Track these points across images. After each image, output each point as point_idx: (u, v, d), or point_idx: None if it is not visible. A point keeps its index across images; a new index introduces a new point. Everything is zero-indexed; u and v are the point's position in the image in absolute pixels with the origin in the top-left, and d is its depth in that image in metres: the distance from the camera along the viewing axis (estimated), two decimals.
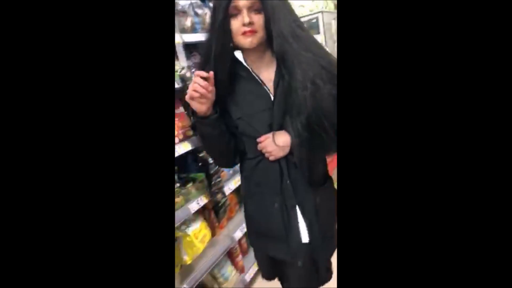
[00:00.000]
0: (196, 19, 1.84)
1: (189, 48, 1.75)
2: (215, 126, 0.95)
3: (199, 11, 1.90)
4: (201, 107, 0.90)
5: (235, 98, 0.97)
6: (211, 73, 0.87)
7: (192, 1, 1.89)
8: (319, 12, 3.32)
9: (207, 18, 1.96)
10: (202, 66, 0.94)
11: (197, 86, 0.85)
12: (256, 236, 1.13)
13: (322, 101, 0.87)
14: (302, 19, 3.63)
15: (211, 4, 2.10)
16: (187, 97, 0.89)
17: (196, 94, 0.86)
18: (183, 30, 1.73)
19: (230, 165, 1.15)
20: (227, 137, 0.99)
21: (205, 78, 0.87)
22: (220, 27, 0.87)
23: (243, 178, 1.11)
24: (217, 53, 0.90)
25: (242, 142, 1.04)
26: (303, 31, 0.91)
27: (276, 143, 0.93)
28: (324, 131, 0.90)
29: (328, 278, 1.15)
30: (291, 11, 0.91)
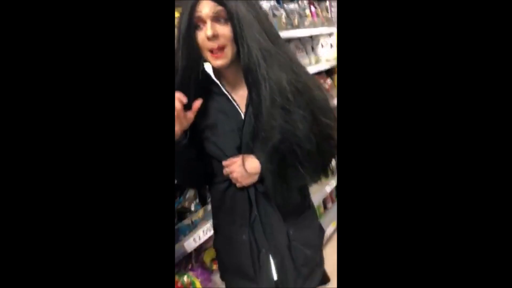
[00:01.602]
0: (275, 20, 1.96)
1: None
2: (184, 151, 0.83)
3: (276, 12, 2.01)
4: (176, 130, 0.79)
5: (206, 116, 0.86)
6: (198, 102, 0.78)
7: (271, 3, 2.00)
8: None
9: (283, 19, 2.09)
10: (177, 83, 0.81)
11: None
12: (225, 272, 1.02)
13: (294, 128, 0.77)
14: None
15: (285, 5, 2.23)
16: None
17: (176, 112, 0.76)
18: None
19: (199, 186, 1.08)
20: (195, 161, 0.88)
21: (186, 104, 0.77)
22: (184, 40, 0.76)
23: (212, 207, 1.00)
24: (183, 67, 0.78)
25: (211, 164, 0.92)
26: (277, 47, 0.79)
27: (244, 168, 0.82)
28: (297, 160, 0.80)
29: None
30: (262, 21, 0.78)
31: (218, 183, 0.93)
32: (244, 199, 0.89)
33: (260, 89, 0.77)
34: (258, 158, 0.84)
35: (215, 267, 1.73)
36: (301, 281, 0.94)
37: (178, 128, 0.79)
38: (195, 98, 0.81)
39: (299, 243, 0.93)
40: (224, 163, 0.86)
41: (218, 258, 1.05)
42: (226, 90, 0.87)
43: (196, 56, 0.79)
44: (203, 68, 0.85)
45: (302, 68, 0.87)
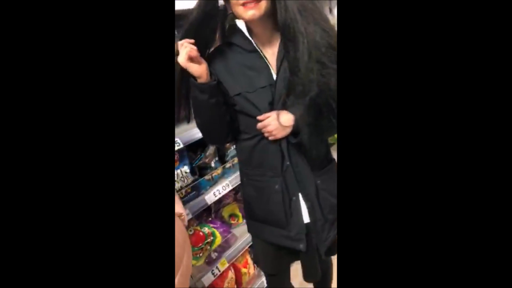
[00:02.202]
0: None
1: None
2: (213, 93, 0.86)
3: None
4: (200, 69, 0.82)
5: (232, 72, 0.88)
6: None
7: None
8: None
9: None
10: (188, 32, 0.83)
11: (190, 48, 0.79)
12: (254, 221, 1.07)
13: (329, 82, 0.80)
14: None
15: None
16: (184, 59, 0.79)
17: (194, 53, 0.79)
18: None
19: (222, 141, 1.05)
20: (223, 108, 0.91)
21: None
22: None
23: (240, 162, 1.04)
24: (200, 9, 0.81)
25: (237, 120, 0.95)
26: (310, 2, 0.81)
27: (279, 122, 0.86)
28: (331, 112, 0.84)
29: (332, 253, 1.09)
30: None
31: (246, 139, 0.97)
32: (276, 151, 0.93)
33: (297, 43, 0.79)
34: (293, 112, 0.87)
35: (233, 222, 1.85)
36: (328, 226, 1.01)
37: (203, 64, 0.83)
38: (220, 51, 0.86)
39: (326, 192, 0.99)
40: (260, 117, 0.89)
41: (246, 209, 1.10)
42: (258, 47, 0.89)
43: (217, 7, 0.82)
44: (235, 24, 0.87)
45: (330, 24, 0.87)
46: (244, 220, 1.90)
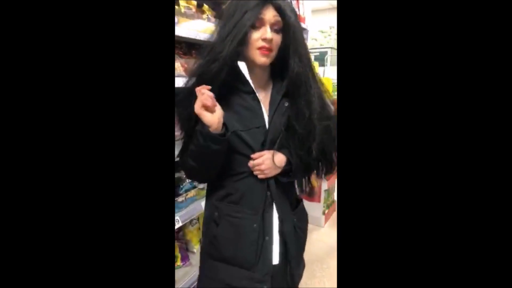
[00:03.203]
0: None
1: None
2: (225, 144, 0.87)
3: None
4: (213, 120, 0.81)
5: (227, 111, 0.89)
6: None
7: None
8: (329, 47, 3.74)
9: None
10: (200, 71, 0.87)
11: (206, 96, 0.78)
12: (215, 261, 1.01)
13: (329, 132, 0.93)
14: (312, 51, 4.02)
15: None
16: (199, 106, 0.80)
17: (210, 102, 0.79)
18: None
19: (211, 179, 1.02)
20: (222, 157, 0.92)
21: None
22: (242, 36, 0.82)
23: (215, 196, 1.00)
24: (224, 61, 0.83)
25: (229, 157, 0.95)
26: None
27: (273, 161, 0.90)
28: (324, 157, 0.97)
29: None
30: (305, 40, 0.93)
31: (231, 175, 0.97)
32: (262, 189, 0.95)
33: (309, 96, 0.90)
34: (287, 153, 0.94)
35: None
36: (300, 261, 1.06)
37: (215, 118, 0.82)
38: (219, 90, 0.85)
39: (300, 230, 1.04)
40: (254, 155, 0.92)
41: (212, 246, 1.01)
42: (254, 89, 0.93)
43: (239, 51, 0.86)
44: (237, 65, 0.89)
45: (322, 86, 0.99)
46: (182, 263, 1.75)
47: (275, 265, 0.99)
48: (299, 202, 1.10)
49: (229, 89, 0.92)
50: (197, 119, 0.85)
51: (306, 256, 1.12)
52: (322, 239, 2.69)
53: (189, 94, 0.85)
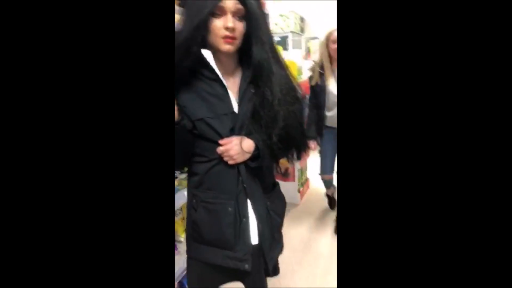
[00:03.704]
0: None
1: None
2: (185, 131, 0.92)
3: None
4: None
5: (194, 98, 0.94)
6: None
7: None
8: (290, 32, 3.84)
9: None
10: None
11: None
12: (199, 244, 1.07)
13: (294, 117, 0.96)
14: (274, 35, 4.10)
15: None
16: None
17: None
18: None
19: (182, 165, 1.09)
20: (192, 140, 0.97)
21: None
22: (200, 23, 0.85)
23: (192, 184, 1.05)
24: (186, 48, 0.86)
25: (194, 143, 1.00)
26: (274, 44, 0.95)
27: (241, 147, 0.93)
28: (291, 141, 1.00)
29: (276, 273, 1.15)
30: (268, 23, 0.94)
31: (201, 162, 1.01)
32: (233, 175, 0.99)
33: (271, 82, 0.92)
34: (255, 139, 0.97)
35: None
36: (274, 244, 1.09)
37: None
38: (183, 78, 0.90)
39: (274, 212, 1.08)
40: (222, 141, 0.94)
41: (191, 232, 1.08)
42: (222, 77, 0.95)
43: (200, 39, 0.88)
44: (201, 53, 0.91)
45: (288, 69, 1.02)
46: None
47: (256, 245, 1.04)
48: (275, 185, 1.14)
49: (197, 77, 0.94)
50: None
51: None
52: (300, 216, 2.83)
53: None
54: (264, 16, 0.92)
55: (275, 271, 1.13)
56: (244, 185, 0.99)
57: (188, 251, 1.13)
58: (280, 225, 1.10)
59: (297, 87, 1.03)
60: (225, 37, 0.87)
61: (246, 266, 1.02)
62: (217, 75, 0.94)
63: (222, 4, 0.85)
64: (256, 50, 0.90)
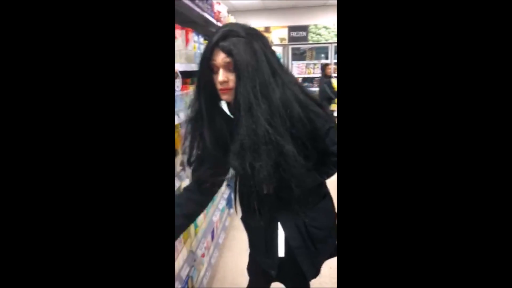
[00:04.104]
0: None
1: None
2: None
3: None
4: None
5: (224, 135, 1.00)
6: None
7: None
8: (331, 42, 6.02)
9: None
10: (193, 122, 0.98)
11: None
12: (251, 246, 1.25)
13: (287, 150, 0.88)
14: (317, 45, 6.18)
15: None
16: None
17: None
18: None
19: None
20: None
21: None
22: (206, 83, 0.93)
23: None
24: (207, 106, 0.95)
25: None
26: (276, 78, 0.90)
27: None
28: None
29: (316, 275, 1.16)
30: (264, 65, 0.88)
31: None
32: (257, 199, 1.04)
33: (254, 117, 0.87)
34: None
35: None
36: (315, 254, 1.12)
37: None
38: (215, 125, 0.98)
39: (315, 228, 1.09)
40: None
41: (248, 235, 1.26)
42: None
43: (216, 94, 0.95)
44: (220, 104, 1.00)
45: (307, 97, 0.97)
46: None
47: (283, 258, 1.10)
48: (324, 197, 1.14)
49: (217, 119, 1.00)
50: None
51: None
52: None
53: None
54: (254, 56, 0.88)
55: (315, 274, 1.16)
56: (272, 212, 1.05)
57: (250, 252, 1.31)
58: (324, 237, 1.11)
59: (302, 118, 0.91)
60: (220, 89, 0.92)
61: (273, 272, 1.14)
62: (230, 118, 0.99)
63: (213, 61, 0.90)
64: (239, 97, 0.88)
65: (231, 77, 0.89)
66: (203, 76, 0.93)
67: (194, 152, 1.01)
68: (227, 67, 0.89)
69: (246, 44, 0.88)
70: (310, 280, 1.17)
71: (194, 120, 0.98)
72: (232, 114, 0.99)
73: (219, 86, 0.91)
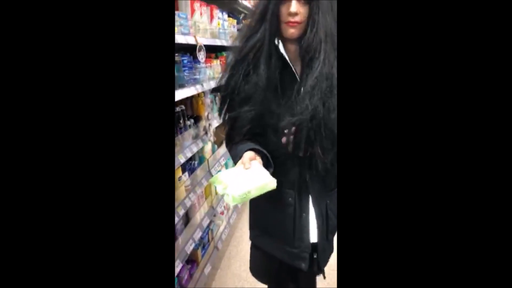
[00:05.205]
0: None
1: None
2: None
3: None
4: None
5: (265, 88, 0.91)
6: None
7: None
8: None
9: None
10: (243, 57, 0.91)
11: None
12: (259, 232, 1.09)
13: (329, 112, 0.85)
14: None
15: None
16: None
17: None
18: None
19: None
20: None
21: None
22: (273, 13, 0.86)
23: None
24: (268, 41, 0.88)
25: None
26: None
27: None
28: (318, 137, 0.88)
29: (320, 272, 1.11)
30: (334, 10, 0.87)
31: (270, 152, 0.95)
32: (296, 167, 0.96)
33: (311, 70, 0.87)
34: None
35: None
36: (328, 245, 1.08)
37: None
38: (266, 66, 0.90)
39: (332, 212, 1.03)
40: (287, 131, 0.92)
41: (253, 218, 1.14)
42: (294, 68, 0.94)
43: (277, 28, 0.89)
44: (273, 42, 0.92)
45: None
46: None
47: (314, 244, 1.02)
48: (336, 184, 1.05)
49: (269, 66, 0.92)
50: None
51: None
52: None
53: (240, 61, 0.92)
54: (328, 2, 0.86)
55: (319, 270, 1.10)
56: (306, 179, 0.96)
57: (251, 236, 1.16)
58: (335, 227, 1.05)
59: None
60: (288, 22, 0.86)
61: (303, 265, 1.01)
62: (288, 65, 0.93)
63: None
64: (308, 35, 0.86)
65: (303, 10, 0.85)
66: (272, 4, 0.86)
67: (235, 90, 0.93)
68: None
69: None
70: (317, 275, 1.13)
71: (246, 54, 0.91)
72: (292, 55, 0.92)
73: (287, 19, 0.86)
